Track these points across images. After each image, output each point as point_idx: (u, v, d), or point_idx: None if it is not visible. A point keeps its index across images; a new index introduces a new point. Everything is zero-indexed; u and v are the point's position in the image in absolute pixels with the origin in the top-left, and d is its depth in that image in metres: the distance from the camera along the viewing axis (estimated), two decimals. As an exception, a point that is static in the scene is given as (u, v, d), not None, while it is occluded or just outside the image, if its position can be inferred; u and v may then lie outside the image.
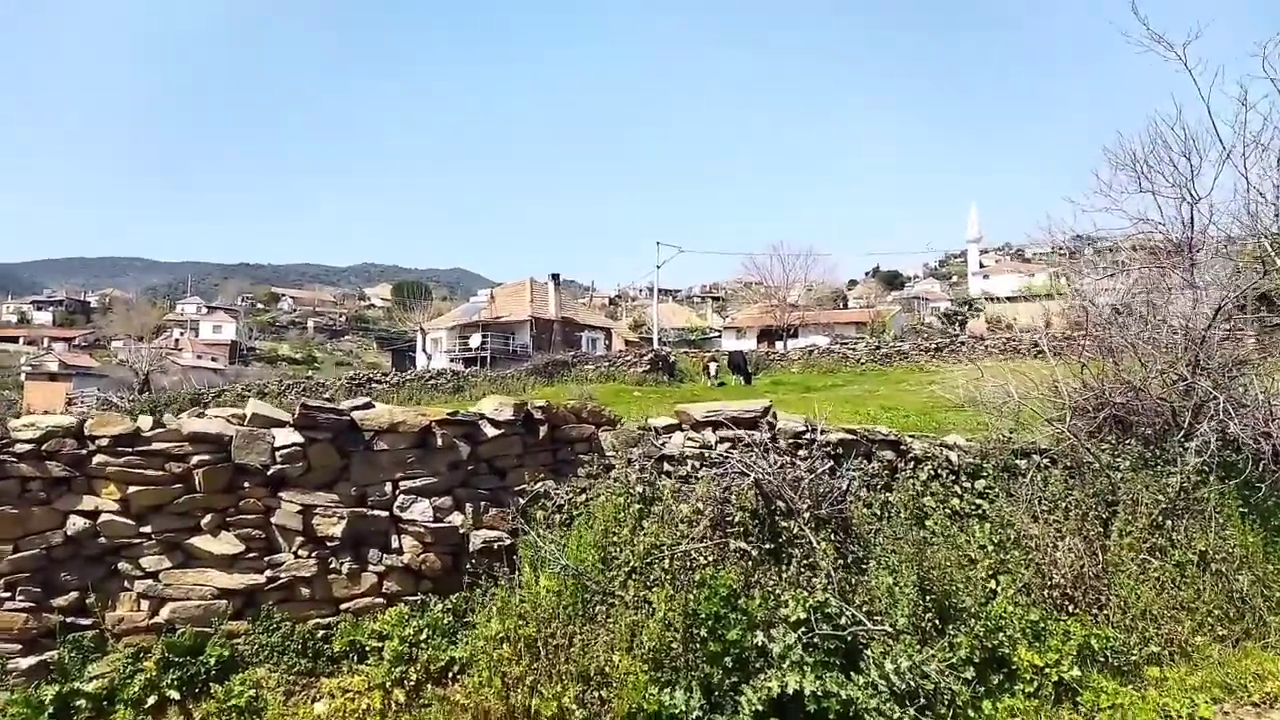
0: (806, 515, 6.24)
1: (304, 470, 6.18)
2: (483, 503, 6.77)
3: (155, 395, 38.97)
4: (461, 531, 6.56)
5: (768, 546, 6.21)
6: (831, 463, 6.89)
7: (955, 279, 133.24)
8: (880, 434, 7.84)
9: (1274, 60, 7.28)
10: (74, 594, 5.75)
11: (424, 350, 62.81)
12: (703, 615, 5.54)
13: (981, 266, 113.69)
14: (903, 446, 7.83)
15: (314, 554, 6.21)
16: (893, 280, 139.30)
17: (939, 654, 5.79)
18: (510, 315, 58.52)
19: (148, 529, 5.89)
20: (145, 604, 5.89)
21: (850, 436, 7.62)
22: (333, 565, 6.26)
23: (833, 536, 6.36)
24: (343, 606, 6.26)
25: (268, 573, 6.09)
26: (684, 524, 6.28)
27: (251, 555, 6.08)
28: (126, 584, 5.89)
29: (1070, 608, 6.65)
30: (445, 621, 6.29)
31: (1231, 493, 7.48)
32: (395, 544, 6.46)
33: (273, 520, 6.16)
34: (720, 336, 72.48)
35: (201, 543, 5.97)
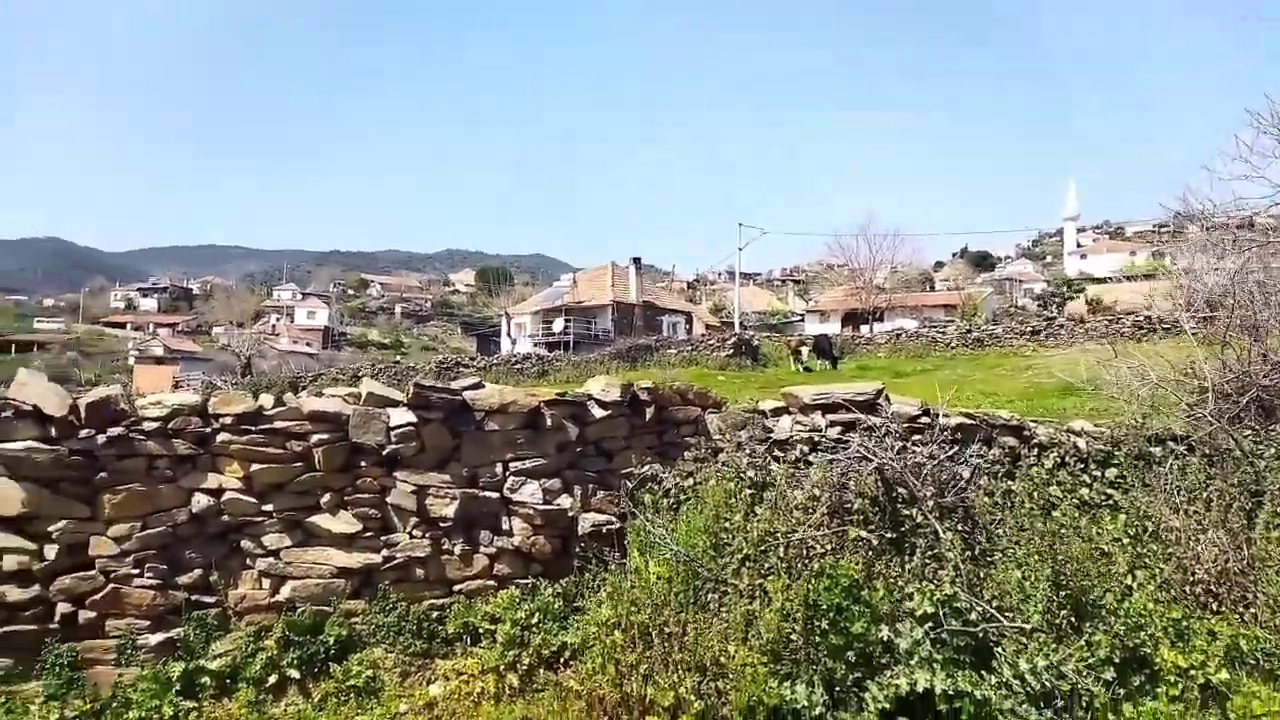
0: (930, 503, 5.95)
1: (417, 450, 6.20)
2: (590, 485, 6.70)
3: (257, 379, 40.41)
4: (570, 514, 6.50)
5: (889, 536, 5.95)
6: (955, 448, 6.56)
7: (1050, 259, 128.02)
8: (1002, 419, 7.47)
9: None
10: (198, 572, 5.90)
11: (508, 335, 63.69)
12: (824, 607, 5.34)
13: (1079, 246, 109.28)
14: (1026, 432, 7.44)
15: (428, 534, 6.24)
16: (982, 261, 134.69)
17: (1076, 653, 5.46)
18: (592, 300, 58.79)
19: (269, 507, 6.00)
20: (267, 582, 6.00)
21: (970, 421, 7.26)
22: (445, 546, 6.28)
23: (958, 527, 6.06)
24: (456, 588, 6.28)
25: (384, 552, 6.14)
26: (799, 511, 6.06)
27: (368, 534, 6.14)
28: (249, 562, 6.01)
29: (1215, 605, 6.19)
30: (556, 606, 6.25)
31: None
32: (506, 526, 6.44)
33: (388, 500, 6.21)
34: (803, 320, 71.38)
35: (321, 521, 6.06)
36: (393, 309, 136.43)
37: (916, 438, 6.82)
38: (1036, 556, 6.03)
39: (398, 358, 70.43)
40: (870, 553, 5.87)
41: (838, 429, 7.11)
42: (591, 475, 6.74)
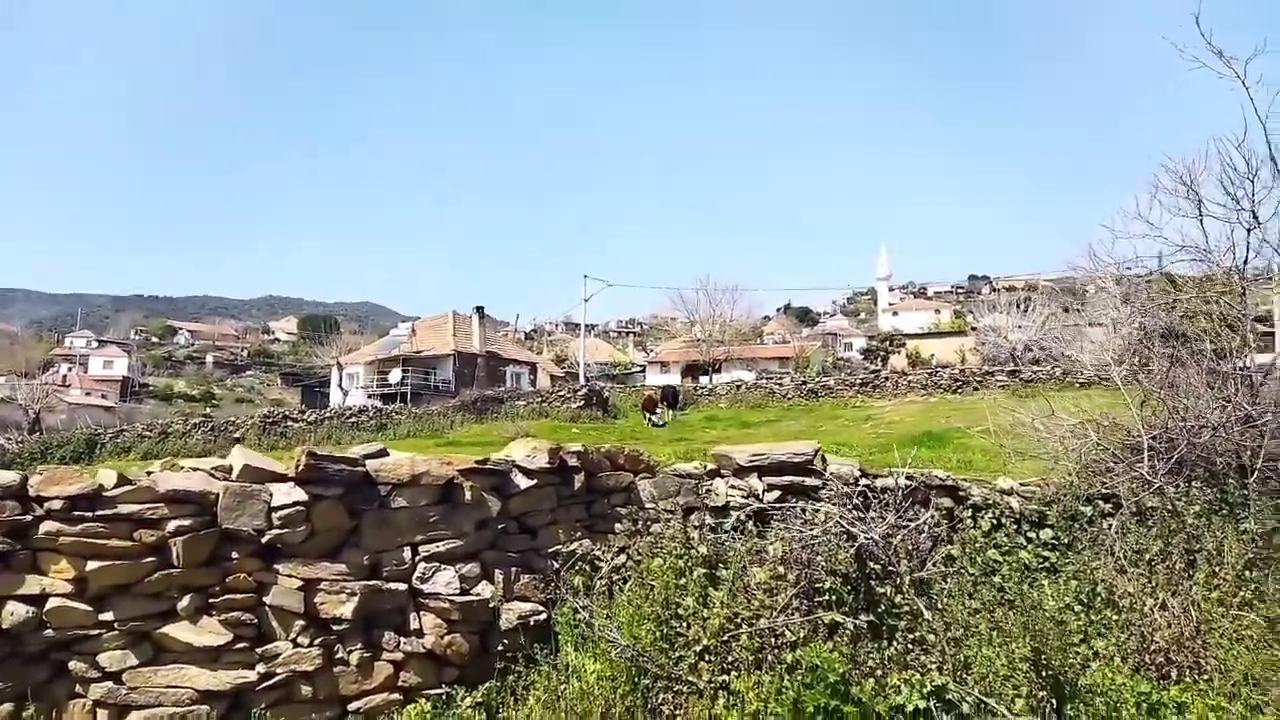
0: (906, 579, 5.39)
1: (306, 535, 5.01)
2: (514, 569, 5.71)
3: (47, 436, 35.65)
4: (491, 605, 5.47)
5: (865, 619, 5.32)
6: (929, 514, 6.09)
7: (863, 315, 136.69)
8: (938, 479, 7.10)
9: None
10: (7, 706, 4.42)
11: (339, 386, 60.05)
12: (809, 709, 4.61)
13: (890, 304, 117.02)
14: (961, 493, 7.11)
15: (317, 641, 5.03)
16: (804, 316, 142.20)
17: (1067, 741, 5.01)
18: (432, 349, 56.60)
19: (109, 616, 4.64)
20: (103, 714, 4.59)
21: (910, 483, 6.85)
22: (340, 654, 5.09)
23: (937, 604, 5.53)
24: (351, 706, 5.08)
25: (260, 667, 4.88)
26: (763, 592, 5.34)
27: (240, 646, 4.86)
28: (79, 688, 4.60)
29: (1174, 674, 5.98)
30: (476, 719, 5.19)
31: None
32: (414, 624, 5.32)
33: (267, 600, 4.97)
34: (644, 371, 71.95)
35: (178, 632, 4.73)
36: (204, 358, 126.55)
37: (857, 500, 6.31)
38: (1003, 633, 5.61)
39: (208, 410, 64.85)
40: (845, 638, 5.22)
41: (776, 493, 6.52)
42: (514, 556, 5.75)
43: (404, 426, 33.55)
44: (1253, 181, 7.53)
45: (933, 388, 41.66)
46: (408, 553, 5.32)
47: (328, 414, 37.57)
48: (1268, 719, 5.73)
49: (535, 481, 5.82)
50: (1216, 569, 6.61)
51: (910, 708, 4.74)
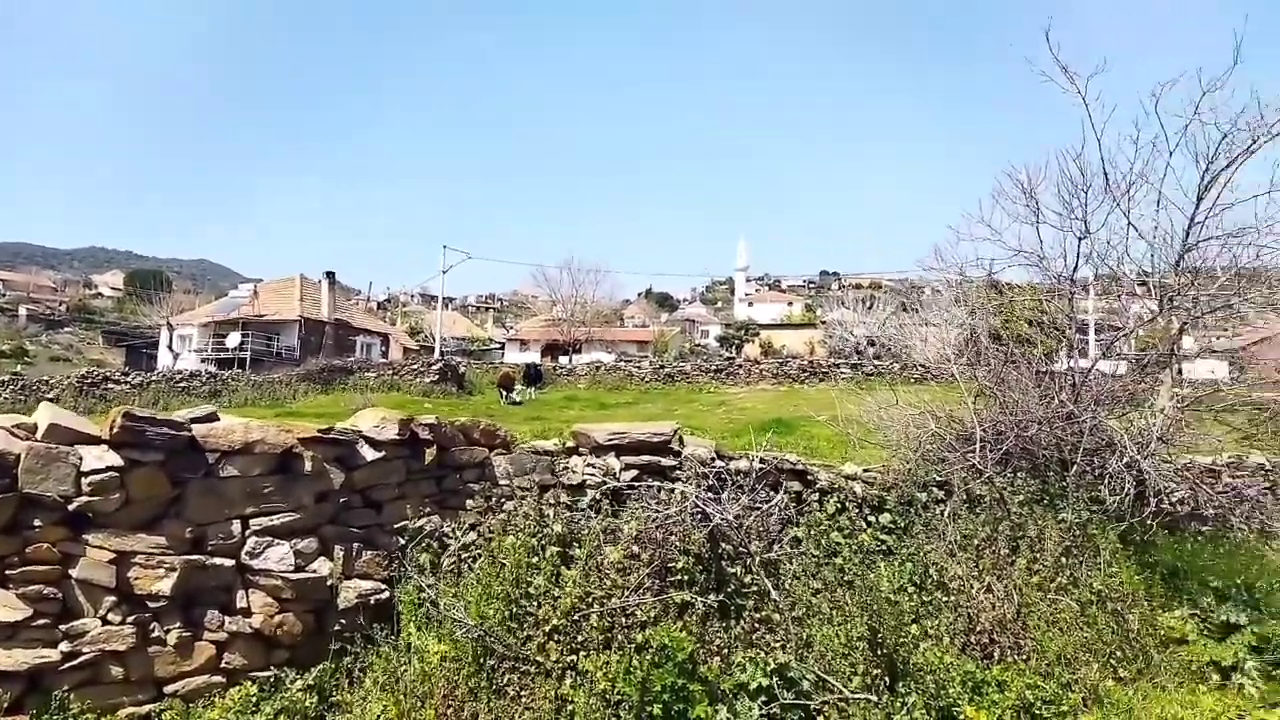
0: (757, 560, 5.47)
1: (121, 504, 4.55)
2: (356, 545, 5.41)
3: None
4: (329, 583, 5.17)
5: (715, 598, 5.37)
6: (780, 496, 6.19)
7: (720, 304, 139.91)
8: (789, 463, 7.27)
9: (1166, 104, 7.58)
10: None
11: (169, 348, 55.92)
12: (658, 688, 4.60)
13: (747, 295, 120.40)
14: (809, 477, 7.30)
15: (130, 618, 4.60)
16: (664, 302, 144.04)
17: (899, 716, 5.23)
18: (276, 314, 53.53)
19: (-121, 589, 4.06)
20: None
21: (762, 466, 6.98)
22: (156, 633, 4.67)
23: (784, 584, 5.64)
24: (168, 689, 4.69)
25: (64, 646, 4.41)
26: (616, 571, 5.29)
27: (41, 622, 4.37)
28: None
29: (997, 654, 6.37)
30: (308, 704, 4.89)
31: (1111, 529, 7.61)
32: (242, 602, 4.96)
33: (73, 573, 4.48)
34: (503, 349, 70.95)
35: (-38, 608, 4.21)
36: (15, 310, 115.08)
37: (711, 482, 6.37)
38: (843, 612, 5.80)
39: (19, 368, 59.19)
40: (695, 618, 5.25)
41: (633, 472, 6.49)
42: (357, 532, 5.44)
43: (241, 394, 31.64)
44: (1086, 194, 8.10)
45: (783, 377, 43.11)
46: (237, 526, 4.94)
47: (155, 377, 35.00)
48: (1076, 696, 6.20)
49: (383, 453, 5.53)
50: (1037, 555, 7.08)
51: (754, 685, 4.82)
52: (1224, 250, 8.10)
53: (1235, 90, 7.58)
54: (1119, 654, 6.75)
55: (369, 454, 5.47)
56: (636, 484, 6.28)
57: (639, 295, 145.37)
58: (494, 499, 6.00)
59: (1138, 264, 8.37)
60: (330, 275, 55.82)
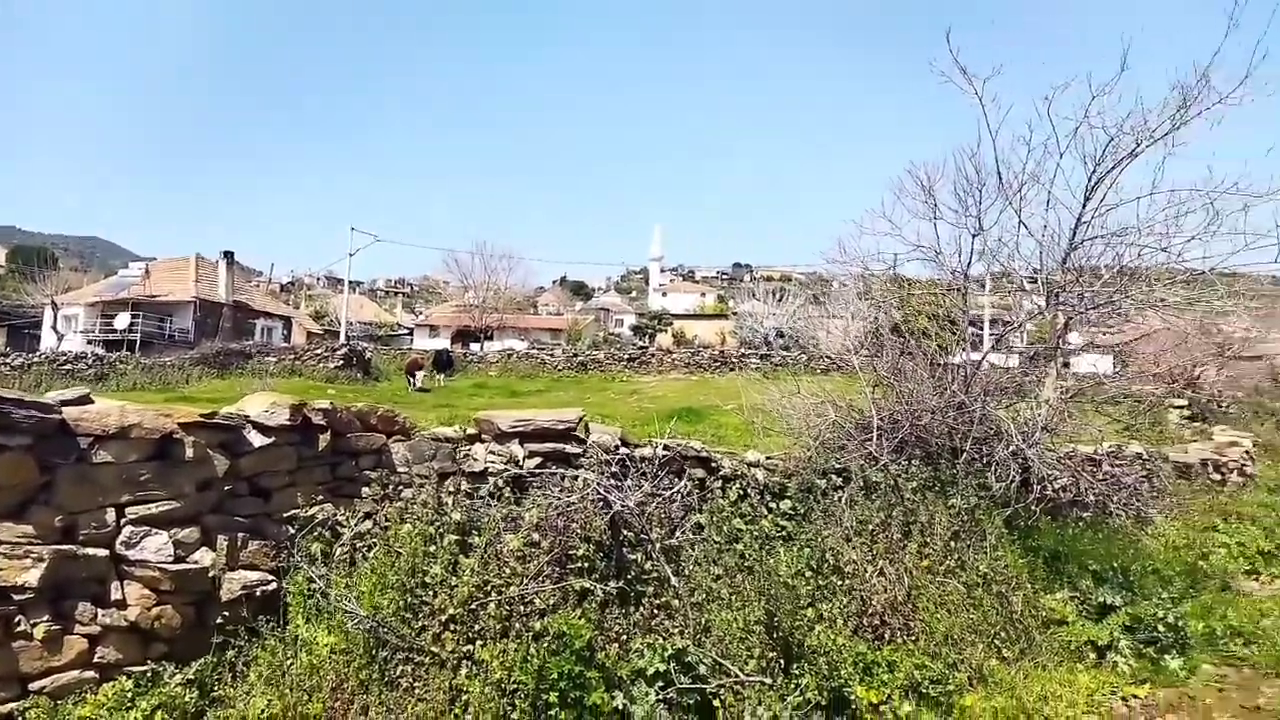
0: (658, 546, 5.48)
1: (-20, 492, 4.26)
2: (241, 534, 5.19)
3: None
4: (212, 574, 4.95)
5: (615, 585, 5.35)
6: (683, 483, 6.21)
7: (635, 294, 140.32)
8: (694, 450, 7.32)
9: (1058, 107, 7.89)
10: None
11: (53, 328, 52.84)
12: (554, 675, 4.56)
13: (661, 285, 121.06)
14: (713, 464, 7.37)
15: (-10, 613, 4.30)
16: (579, 290, 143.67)
17: (792, 698, 5.32)
18: (169, 295, 51.15)
19: None
20: None
21: (667, 453, 7.00)
22: (21, 627, 4.39)
23: (684, 570, 5.66)
24: (34, 686, 4.41)
25: (-89, 645, 4.10)
26: (515, 560, 5.22)
27: (-114, 619, 4.05)
28: None
29: (888, 635, 6.55)
30: (187, 699, 4.68)
31: (998, 514, 7.93)
32: (117, 594, 4.69)
33: (-77, 566, 4.17)
34: (412, 334, 69.57)
35: None
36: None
37: (615, 469, 6.36)
38: (741, 597, 5.88)
39: (-120, 348, 55.01)
40: (595, 605, 5.22)
41: (537, 459, 6.42)
42: (243, 521, 5.22)
43: (130, 378, 30.12)
44: (980, 192, 8.40)
45: (695, 366, 43.62)
46: (112, 514, 4.67)
47: (36, 358, 33.00)
48: (962, 675, 6.43)
49: (273, 439, 5.31)
50: (928, 540, 7.31)
51: (651, 670, 4.83)
52: (1108, 249, 8.51)
53: (1122, 95, 7.98)
54: (1003, 634, 7.03)
55: (257, 440, 5.25)
56: (540, 471, 6.22)
57: (554, 283, 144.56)
58: (391, 487, 5.85)
59: (1028, 261, 8.72)
60: (228, 255, 53.66)
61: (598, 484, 5.53)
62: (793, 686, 5.41)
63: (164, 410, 4.95)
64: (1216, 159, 7.86)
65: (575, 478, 5.85)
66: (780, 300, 60.72)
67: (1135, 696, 6.48)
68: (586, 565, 5.29)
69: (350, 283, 55.69)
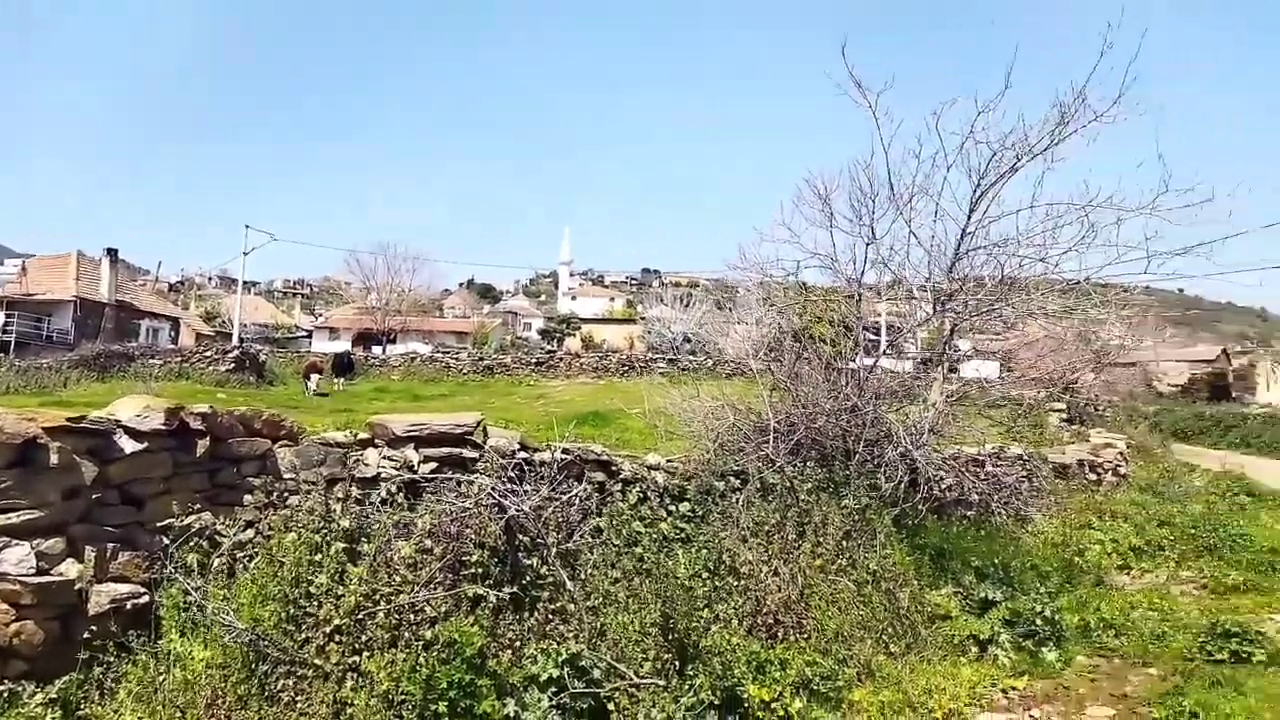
0: (554, 551, 5.44)
1: None
2: (111, 545, 4.92)
3: None
4: (78, 587, 4.68)
5: (509, 590, 5.29)
6: (582, 487, 6.18)
7: (544, 297, 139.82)
8: (594, 454, 7.31)
9: (945, 122, 8.22)
10: None
11: (-85, 328, 49.10)
12: (444, 685, 4.48)
13: (570, 289, 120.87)
14: (614, 467, 7.38)
15: None
16: (487, 293, 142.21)
17: (686, 699, 5.36)
18: (47, 293, 48.18)
19: None
20: None
21: (567, 457, 6.98)
22: None
23: (580, 575, 5.64)
24: None
25: None
26: (407, 567, 5.10)
27: None
28: None
29: (781, 634, 6.67)
30: (48, 719, 4.40)
31: (888, 514, 8.19)
32: (-30, 610, 4.38)
33: None
34: (311, 337, 67.43)
35: None
36: None
37: (513, 473, 6.30)
38: (638, 600, 5.90)
39: None
40: (489, 611, 5.15)
41: (432, 464, 6.29)
42: (113, 531, 4.94)
43: (3, 381, 28.26)
44: (873, 202, 8.68)
45: (603, 371, 43.71)
46: (-35, 525, 4.37)
47: (-104, 361, 30.65)
48: (851, 670, 6.61)
49: (145, 445, 5.05)
50: (821, 539, 7.48)
51: (545, 676, 4.79)
52: (991, 259, 8.92)
53: (1006, 113, 8.36)
54: (891, 630, 7.26)
55: (129, 445, 4.98)
56: (435, 477, 6.10)
57: (460, 285, 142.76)
58: (276, 494, 5.64)
59: (917, 270, 9.06)
60: (112, 253, 50.97)
61: (492, 488, 5.46)
62: (687, 687, 5.44)
63: (28, 414, 4.65)
64: (1093, 174, 8.34)
65: (471, 483, 5.76)
66: (688, 306, 61.35)
67: (1014, 688, 6.78)
68: (481, 571, 5.21)
69: (245, 282, 53.68)
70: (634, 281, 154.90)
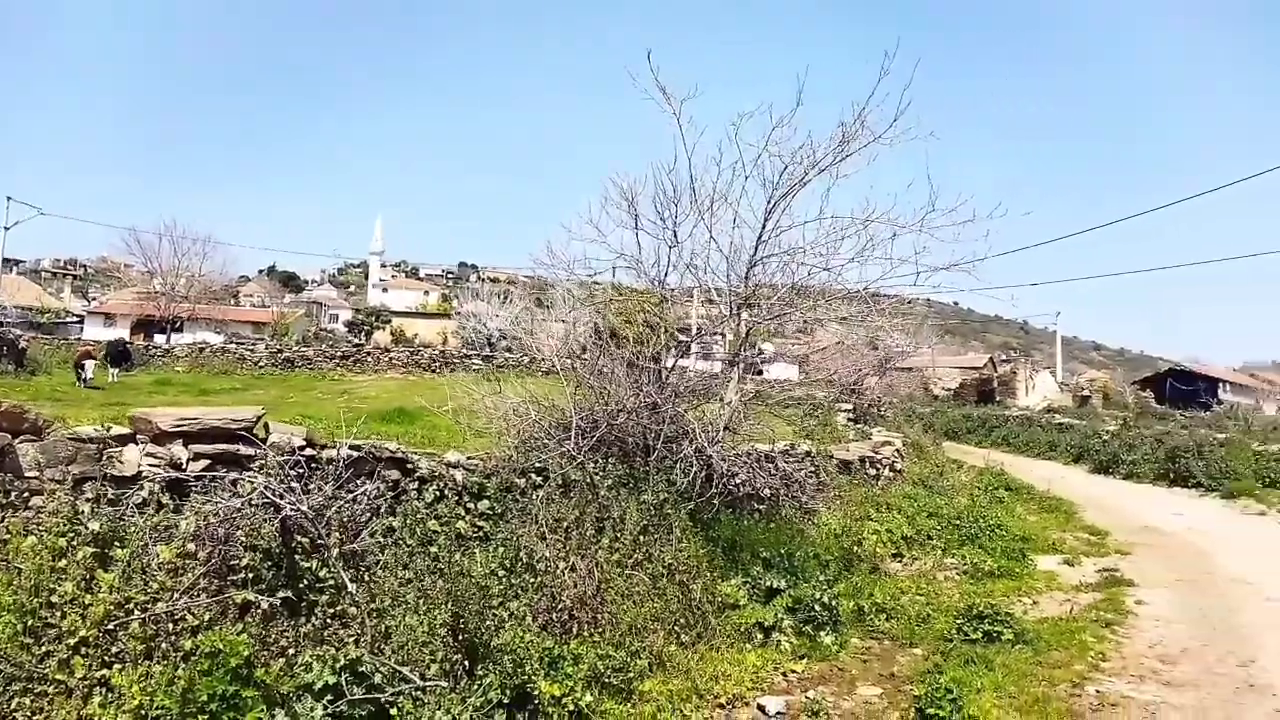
0: (335, 553, 5.19)
1: None
2: None
3: None
4: None
5: (284, 595, 4.99)
6: (352, 486, 5.92)
7: (354, 288, 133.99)
8: (388, 451, 7.07)
9: (744, 133, 8.57)
10: None
11: None
12: (205, 698, 4.17)
13: (382, 280, 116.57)
14: (409, 465, 7.17)
15: None
16: (290, 281, 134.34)
17: (473, 700, 5.28)
18: None
19: None
20: None
21: (356, 454, 6.70)
22: None
23: (364, 576, 5.41)
24: None
25: None
26: (167, 573, 4.69)
27: None
28: None
29: (576, 629, 6.71)
30: None
31: (684, 508, 8.44)
32: None
33: None
34: (83, 323, 60.99)
35: None
36: None
37: (298, 470, 5.98)
38: (429, 600, 5.75)
39: None
40: (260, 617, 4.84)
41: (204, 462, 5.86)
42: None
43: None
44: (676, 206, 8.93)
45: (414, 366, 42.48)
46: None
47: None
48: (643, 661, 6.75)
49: None
50: (619, 534, 7.62)
51: (320, 684, 4.57)
52: (783, 267, 9.40)
53: (798, 128, 8.81)
54: (683, 621, 7.49)
55: None
56: (207, 475, 5.68)
57: (260, 272, 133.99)
58: (16, 494, 5.05)
59: (717, 274, 9.41)
60: None
61: (266, 487, 5.14)
62: (476, 687, 5.37)
63: None
64: (874, 191, 8.96)
65: (250, 482, 5.41)
66: (506, 302, 60.72)
67: (794, 671, 7.19)
68: (252, 575, 4.90)
69: (6, 260, 47.86)
70: (451, 275, 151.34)
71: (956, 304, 56.09)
